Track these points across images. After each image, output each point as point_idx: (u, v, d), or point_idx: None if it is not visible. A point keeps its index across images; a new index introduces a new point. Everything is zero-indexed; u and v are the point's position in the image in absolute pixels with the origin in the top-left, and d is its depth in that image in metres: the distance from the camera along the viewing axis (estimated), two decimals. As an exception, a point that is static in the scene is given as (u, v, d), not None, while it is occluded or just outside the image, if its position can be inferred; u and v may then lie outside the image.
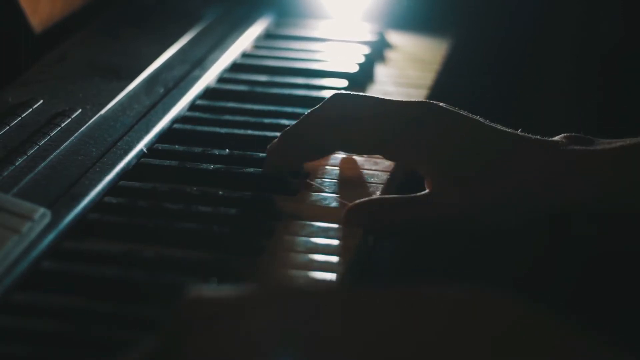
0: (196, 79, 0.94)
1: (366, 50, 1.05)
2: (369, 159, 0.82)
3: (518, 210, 0.72)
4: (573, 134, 0.74)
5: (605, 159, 0.71)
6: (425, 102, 0.76)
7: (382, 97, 0.77)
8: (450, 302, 0.48)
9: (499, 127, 0.75)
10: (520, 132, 0.74)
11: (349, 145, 0.77)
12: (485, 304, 0.47)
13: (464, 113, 0.75)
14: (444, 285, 0.48)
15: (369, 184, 0.79)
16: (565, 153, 0.72)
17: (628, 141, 0.72)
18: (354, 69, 1.00)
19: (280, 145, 0.78)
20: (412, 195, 0.74)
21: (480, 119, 0.75)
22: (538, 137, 0.74)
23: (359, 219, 0.73)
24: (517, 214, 0.72)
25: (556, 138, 0.74)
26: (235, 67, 1.00)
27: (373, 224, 0.73)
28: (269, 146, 0.78)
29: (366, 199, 0.75)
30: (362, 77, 1.00)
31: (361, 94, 0.78)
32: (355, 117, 0.75)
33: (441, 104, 0.75)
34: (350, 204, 0.74)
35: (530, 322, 0.47)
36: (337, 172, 0.80)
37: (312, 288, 0.49)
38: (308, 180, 0.78)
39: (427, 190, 0.73)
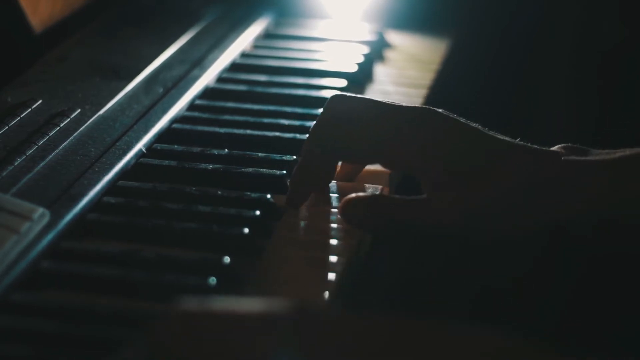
0: (195, 78, 0.94)
1: (366, 50, 1.05)
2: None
3: (512, 219, 0.71)
4: (570, 144, 0.73)
5: (603, 169, 0.71)
6: (421, 106, 0.75)
7: (379, 99, 0.76)
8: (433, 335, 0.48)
9: (497, 135, 0.74)
10: (519, 141, 0.74)
11: (348, 149, 0.75)
12: (469, 332, 0.48)
13: (462, 120, 0.74)
14: (430, 319, 0.49)
15: (368, 185, 0.79)
16: (562, 163, 0.71)
17: (627, 152, 0.72)
18: (354, 68, 1.00)
19: (299, 167, 0.75)
20: (410, 197, 0.73)
21: (478, 126, 0.74)
22: (536, 146, 0.73)
23: (355, 212, 0.72)
24: (512, 223, 0.71)
25: (554, 148, 0.74)
26: (234, 67, 1.00)
27: (368, 220, 0.73)
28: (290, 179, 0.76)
29: (364, 193, 0.74)
30: (362, 76, 1.00)
31: (358, 96, 0.77)
32: (352, 119, 0.74)
33: (439, 110, 0.74)
34: (348, 197, 0.73)
35: (516, 349, 0.47)
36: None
37: (299, 307, 0.49)
38: None
39: (424, 195, 0.73)
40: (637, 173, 0.71)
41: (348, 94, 0.77)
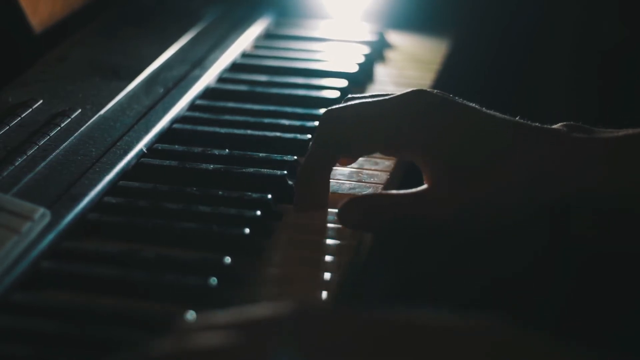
0: (196, 79, 0.94)
1: (366, 50, 1.05)
2: (369, 159, 0.83)
3: (520, 203, 0.71)
4: (572, 122, 0.73)
5: (609, 147, 0.71)
6: (417, 92, 0.73)
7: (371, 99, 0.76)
8: (434, 330, 0.48)
9: (497, 115, 0.73)
10: (519, 119, 0.74)
11: (353, 147, 0.75)
12: (469, 331, 0.48)
13: (460, 101, 0.74)
14: (430, 311, 0.49)
15: (368, 184, 0.79)
16: (567, 141, 0.71)
17: (630, 131, 0.72)
18: (354, 68, 1.00)
19: (303, 169, 0.75)
20: (409, 190, 0.73)
21: (477, 107, 0.74)
22: (538, 124, 0.73)
23: (352, 214, 0.72)
24: (519, 206, 0.71)
25: (556, 126, 0.73)
26: (235, 67, 1.00)
27: (365, 221, 0.72)
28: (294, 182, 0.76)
29: (361, 195, 0.74)
30: (362, 77, 1.00)
31: (350, 103, 0.76)
32: (353, 120, 0.74)
33: (435, 92, 0.74)
34: (343, 201, 0.73)
35: (515, 347, 0.47)
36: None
37: (299, 307, 0.49)
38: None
39: (425, 186, 0.73)
40: (637, 165, 0.71)
41: (340, 105, 0.76)
